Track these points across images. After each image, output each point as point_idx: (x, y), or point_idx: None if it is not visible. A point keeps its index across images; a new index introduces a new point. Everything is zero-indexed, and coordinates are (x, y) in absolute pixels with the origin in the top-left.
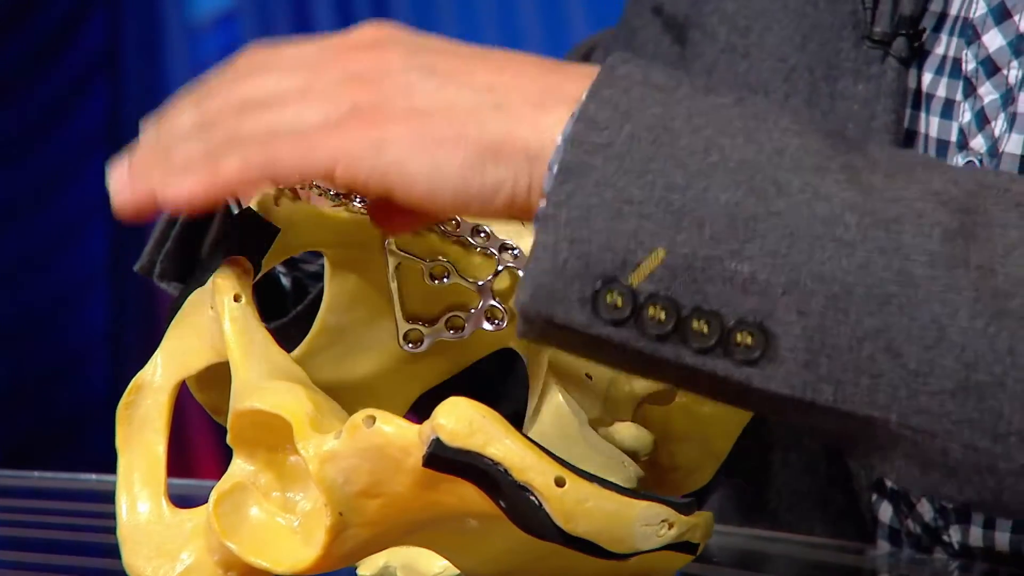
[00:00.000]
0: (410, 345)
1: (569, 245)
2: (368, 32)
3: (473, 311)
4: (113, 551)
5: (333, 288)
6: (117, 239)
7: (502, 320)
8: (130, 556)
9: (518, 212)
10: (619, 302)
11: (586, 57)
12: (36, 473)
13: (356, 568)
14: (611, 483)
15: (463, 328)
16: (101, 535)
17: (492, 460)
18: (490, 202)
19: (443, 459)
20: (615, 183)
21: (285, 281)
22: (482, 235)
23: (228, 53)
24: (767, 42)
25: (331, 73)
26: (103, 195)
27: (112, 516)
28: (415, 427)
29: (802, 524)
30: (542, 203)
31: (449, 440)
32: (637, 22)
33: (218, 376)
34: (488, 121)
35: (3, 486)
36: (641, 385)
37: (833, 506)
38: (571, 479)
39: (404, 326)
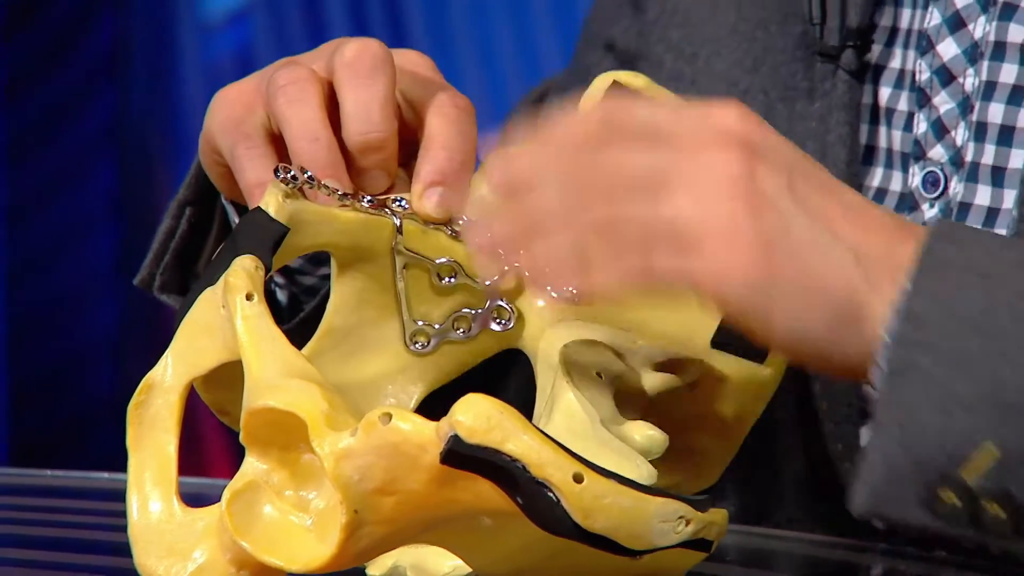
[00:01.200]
0: (417, 345)
1: (901, 448)
2: (727, 117)
3: (480, 311)
4: (123, 549)
5: (340, 288)
6: (124, 239)
7: (509, 320)
8: (142, 556)
9: (854, 373)
10: (956, 501)
11: (539, 101)
12: (47, 472)
13: (365, 568)
14: (629, 480)
15: (470, 328)
16: (111, 533)
17: (510, 456)
18: (840, 361)
19: (461, 455)
20: (942, 381)
21: (281, 296)
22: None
23: (240, 53)
24: (715, 68)
25: (697, 164)
26: (111, 195)
27: (123, 514)
28: (432, 424)
29: (803, 531)
30: (874, 403)
31: (467, 436)
32: (591, 59)
33: (225, 377)
34: (857, 287)
35: (14, 484)
36: (651, 383)
37: (832, 516)
38: (589, 475)
39: (411, 326)
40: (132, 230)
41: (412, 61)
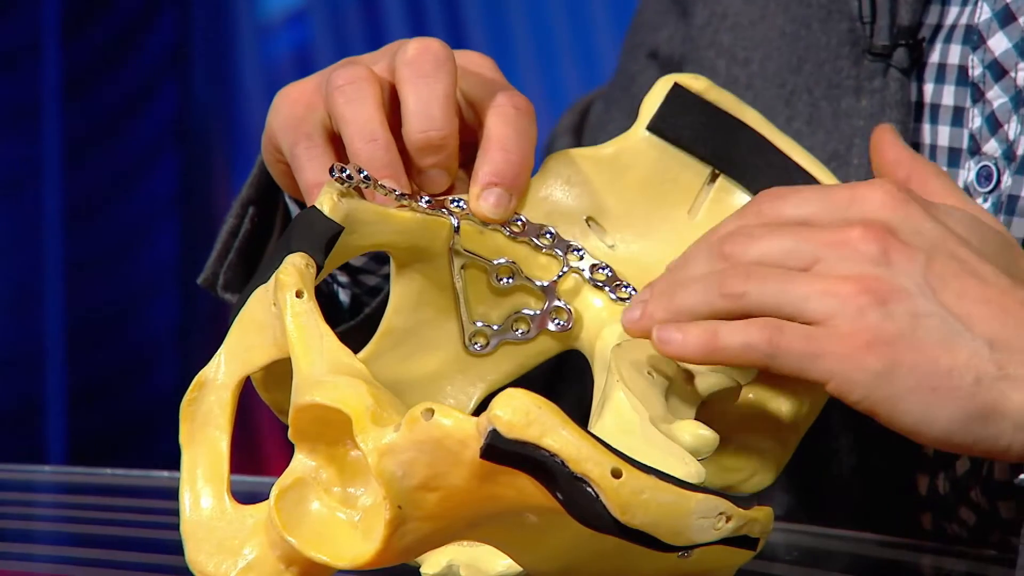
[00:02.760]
0: (476, 346)
1: None
2: (871, 201)
3: (538, 312)
4: (181, 547)
5: (399, 289)
6: (186, 237)
7: (567, 321)
8: (193, 552)
9: (994, 458)
10: None
11: (584, 113)
12: (107, 470)
13: (419, 568)
14: (668, 475)
15: (529, 329)
16: (171, 531)
17: (549, 451)
18: (969, 449)
19: (500, 450)
20: None
21: (344, 296)
22: (547, 236)
23: (299, 52)
24: (768, 71)
25: (835, 252)
26: (173, 194)
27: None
28: (473, 419)
29: (854, 530)
30: None
31: (506, 431)
32: (634, 68)
33: (284, 376)
34: (986, 380)
35: (75, 483)
36: (704, 385)
37: (876, 517)
38: (628, 470)
39: (470, 327)
40: (193, 228)
41: (474, 62)
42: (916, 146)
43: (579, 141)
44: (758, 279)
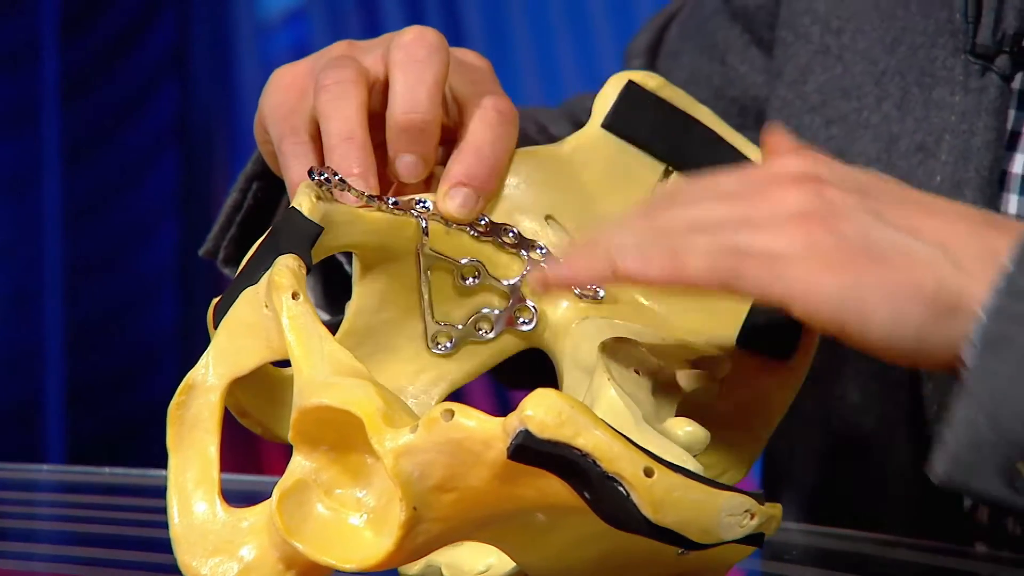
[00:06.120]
0: (439, 347)
1: (987, 420)
2: (788, 162)
3: (502, 311)
4: None
5: (362, 289)
6: (186, 238)
7: (531, 320)
8: (185, 556)
9: (950, 362)
10: None
11: (661, 33)
12: (106, 469)
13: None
14: (696, 474)
15: (492, 328)
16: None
17: (581, 451)
18: (941, 356)
19: (531, 451)
20: None
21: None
22: (511, 235)
23: (298, 51)
24: (859, 45)
25: (768, 205)
26: (173, 194)
27: None
28: (497, 420)
29: (899, 527)
30: (963, 374)
31: (538, 431)
32: (710, 6)
33: (245, 379)
34: (947, 280)
35: (74, 482)
36: (686, 380)
37: (931, 510)
38: (659, 470)
39: (433, 327)
40: (193, 228)
41: (469, 60)
42: (1003, 174)
43: (654, 63)
44: (704, 234)
